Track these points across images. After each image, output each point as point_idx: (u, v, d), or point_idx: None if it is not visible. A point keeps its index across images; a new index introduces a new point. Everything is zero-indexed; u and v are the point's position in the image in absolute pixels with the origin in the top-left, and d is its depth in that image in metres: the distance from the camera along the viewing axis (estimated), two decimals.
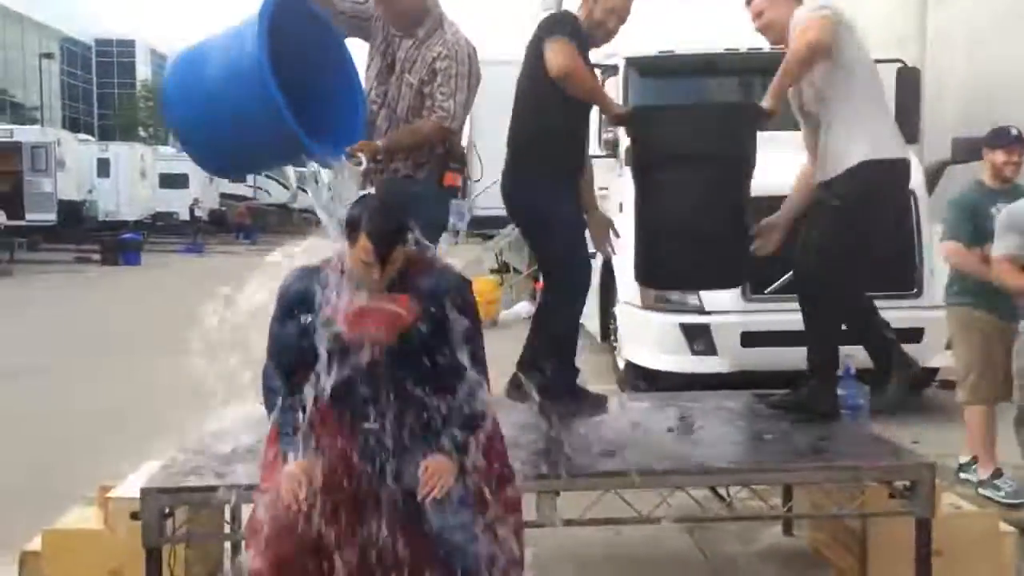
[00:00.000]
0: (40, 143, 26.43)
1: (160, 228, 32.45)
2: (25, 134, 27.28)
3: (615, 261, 5.80)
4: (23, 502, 4.13)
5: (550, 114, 3.51)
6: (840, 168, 3.49)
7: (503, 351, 3.53)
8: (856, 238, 3.51)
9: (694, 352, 5.92)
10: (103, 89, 59.60)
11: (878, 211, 3.57)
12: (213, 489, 2.76)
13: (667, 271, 3.76)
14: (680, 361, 5.95)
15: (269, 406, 2.59)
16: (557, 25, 3.48)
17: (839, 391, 3.59)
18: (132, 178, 31.79)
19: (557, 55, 3.36)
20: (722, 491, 3.33)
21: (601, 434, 3.37)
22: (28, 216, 25.31)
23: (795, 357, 3.72)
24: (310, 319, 2.55)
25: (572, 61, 3.37)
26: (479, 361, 2.59)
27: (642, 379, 6.18)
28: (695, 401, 3.98)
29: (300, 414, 2.56)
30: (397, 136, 3.62)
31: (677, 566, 3.74)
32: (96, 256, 22.62)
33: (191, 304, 2.94)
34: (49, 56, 44.18)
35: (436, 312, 2.54)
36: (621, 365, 6.68)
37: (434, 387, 2.58)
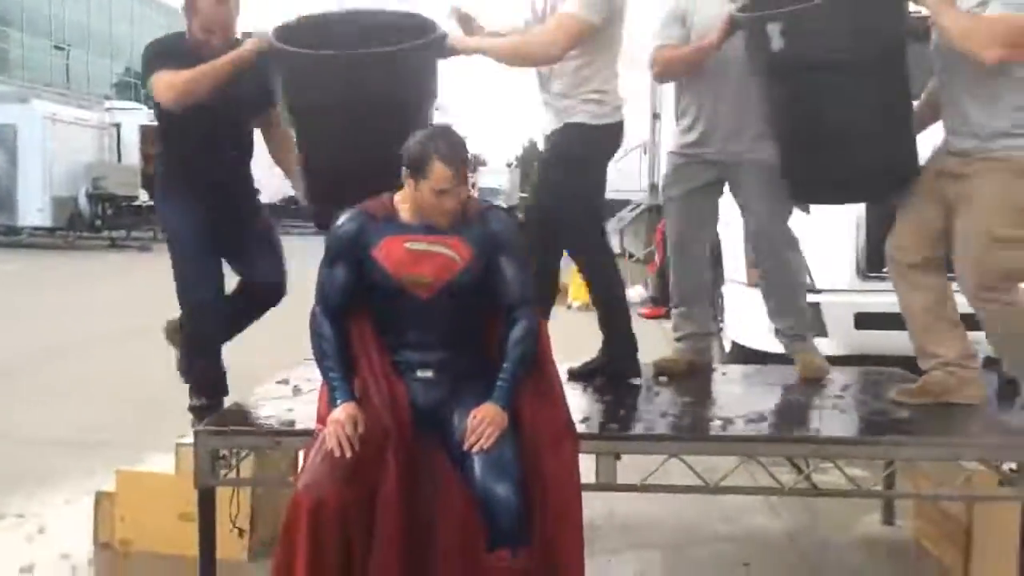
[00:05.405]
0: None
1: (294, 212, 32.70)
2: None
3: (722, 240, 5.52)
4: (117, 452, 4.18)
5: None
6: None
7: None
8: None
9: None
10: None
11: None
12: (269, 432, 2.72)
13: None
14: None
15: (318, 353, 2.52)
16: None
17: None
18: (269, 161, 32.38)
19: None
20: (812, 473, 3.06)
21: (673, 398, 3.21)
22: None
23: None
24: (360, 262, 2.48)
25: None
26: (528, 300, 2.54)
27: (749, 362, 5.84)
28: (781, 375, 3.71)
29: (348, 359, 2.49)
30: None
31: (757, 547, 3.46)
32: None
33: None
34: None
35: (488, 254, 2.46)
36: (727, 347, 6.37)
37: (485, 329, 2.55)
